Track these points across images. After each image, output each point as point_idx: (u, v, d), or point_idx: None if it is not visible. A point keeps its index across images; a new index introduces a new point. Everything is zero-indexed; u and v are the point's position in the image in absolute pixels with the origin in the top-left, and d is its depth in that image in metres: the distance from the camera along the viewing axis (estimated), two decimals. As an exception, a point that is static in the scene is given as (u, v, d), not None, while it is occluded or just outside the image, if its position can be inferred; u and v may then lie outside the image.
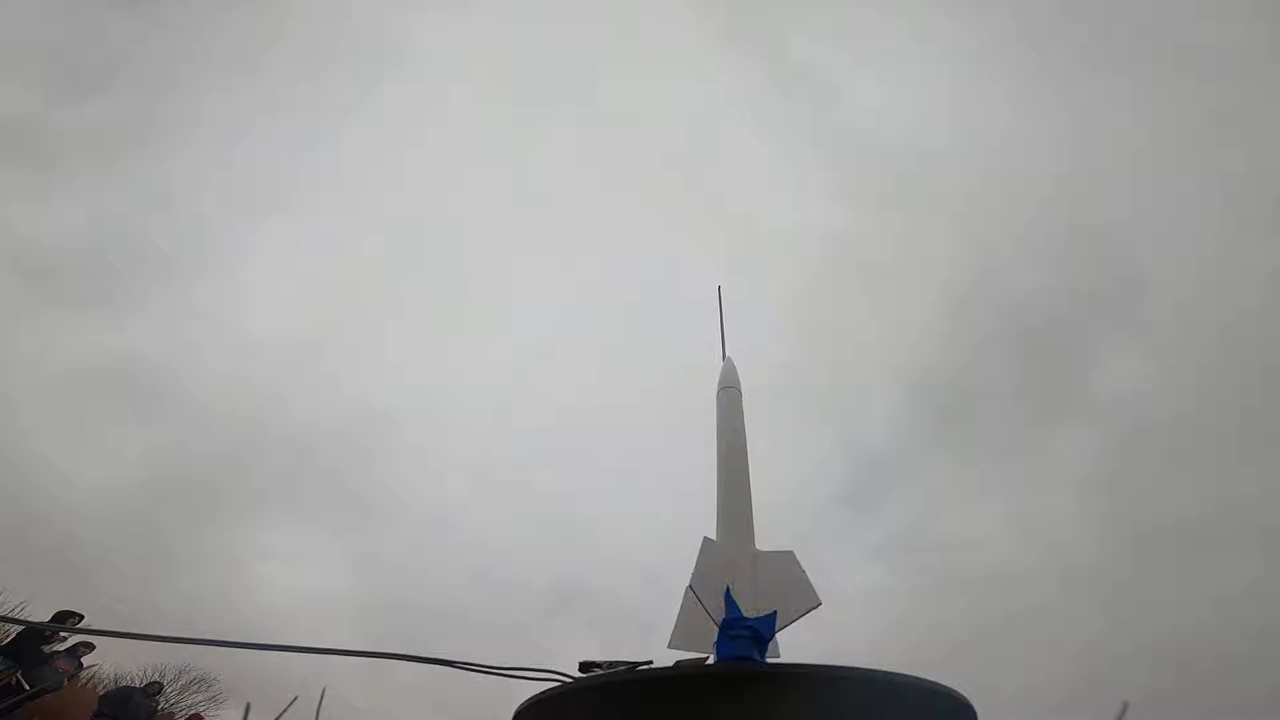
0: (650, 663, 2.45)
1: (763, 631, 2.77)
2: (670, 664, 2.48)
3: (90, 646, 8.30)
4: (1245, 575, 28.25)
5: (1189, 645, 25.10)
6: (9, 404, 33.37)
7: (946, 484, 42.49)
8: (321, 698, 8.85)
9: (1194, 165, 38.23)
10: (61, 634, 7.99)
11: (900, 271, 46.71)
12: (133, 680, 19.55)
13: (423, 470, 49.83)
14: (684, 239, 52.01)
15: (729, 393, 4.68)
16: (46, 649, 7.81)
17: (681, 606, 3.26)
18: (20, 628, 8.29)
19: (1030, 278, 43.19)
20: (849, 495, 43.25)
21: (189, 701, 22.92)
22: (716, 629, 2.89)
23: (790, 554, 3.40)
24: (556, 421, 46.80)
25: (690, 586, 3.15)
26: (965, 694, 2.35)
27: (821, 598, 3.14)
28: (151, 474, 38.25)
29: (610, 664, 2.49)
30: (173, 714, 14.81)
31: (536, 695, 2.47)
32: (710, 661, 2.72)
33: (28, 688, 7.35)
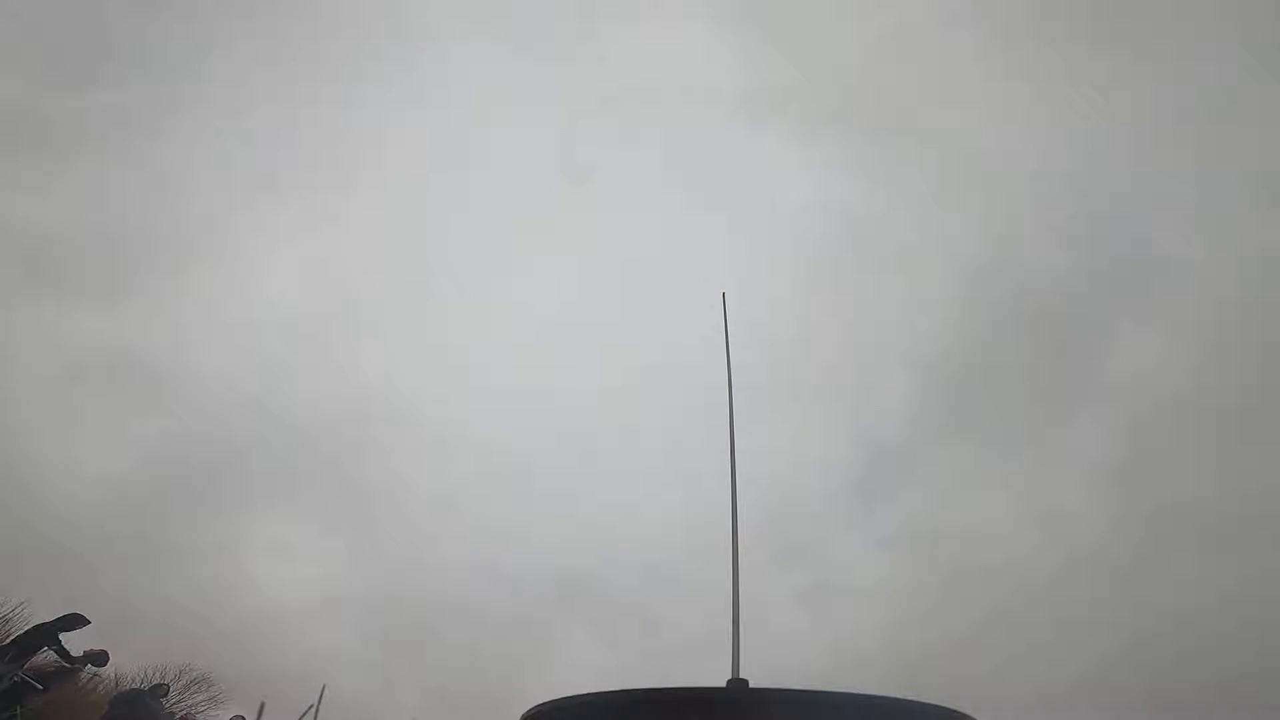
0: None
1: None
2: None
3: (106, 657, 8.49)
4: (1259, 564, 27.95)
5: (1202, 638, 24.94)
6: (5, 397, 33.27)
7: (956, 472, 42.15)
8: (320, 696, 8.88)
9: (1209, 145, 37.98)
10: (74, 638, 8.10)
11: (911, 255, 46.19)
12: (133, 680, 19.58)
13: (425, 461, 49.83)
14: (690, 219, 51.99)
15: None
16: (50, 648, 7.87)
17: None
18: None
19: (1041, 261, 42.74)
20: (857, 483, 43.21)
21: (189, 701, 22.93)
22: None
23: None
24: (562, 411, 46.49)
25: None
26: (967, 702, 2.35)
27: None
28: (151, 466, 37.99)
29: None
30: (173, 714, 14.81)
31: (547, 702, 2.49)
32: None
33: (39, 686, 7.42)
